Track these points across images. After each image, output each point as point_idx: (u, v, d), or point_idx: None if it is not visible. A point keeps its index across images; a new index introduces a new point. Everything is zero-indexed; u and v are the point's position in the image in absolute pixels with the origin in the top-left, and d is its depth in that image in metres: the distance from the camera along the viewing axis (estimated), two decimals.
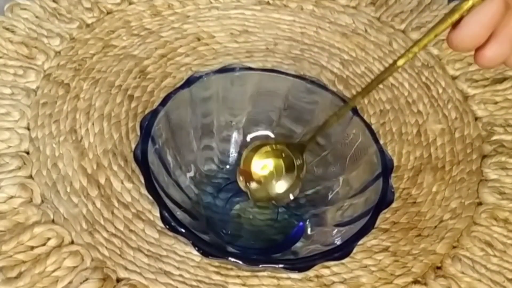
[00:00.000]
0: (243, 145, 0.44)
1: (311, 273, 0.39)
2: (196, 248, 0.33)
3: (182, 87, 0.39)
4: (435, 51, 0.54)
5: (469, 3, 0.31)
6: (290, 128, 0.43)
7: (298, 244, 0.39)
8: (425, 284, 0.39)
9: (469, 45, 0.32)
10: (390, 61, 0.53)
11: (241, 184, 0.40)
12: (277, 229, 0.41)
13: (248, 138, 0.44)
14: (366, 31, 0.55)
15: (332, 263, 0.39)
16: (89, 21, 0.53)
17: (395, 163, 0.44)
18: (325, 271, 0.39)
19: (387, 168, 0.37)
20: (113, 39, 0.51)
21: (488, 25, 0.31)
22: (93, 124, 0.45)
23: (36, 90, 0.47)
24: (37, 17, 0.51)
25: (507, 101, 0.50)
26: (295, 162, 0.40)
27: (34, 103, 0.46)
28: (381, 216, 0.36)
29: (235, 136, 0.44)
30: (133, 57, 0.50)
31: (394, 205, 0.39)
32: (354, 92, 0.50)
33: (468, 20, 0.31)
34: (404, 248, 0.41)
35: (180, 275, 0.38)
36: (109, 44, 0.51)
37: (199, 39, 0.53)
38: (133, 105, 0.47)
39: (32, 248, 0.38)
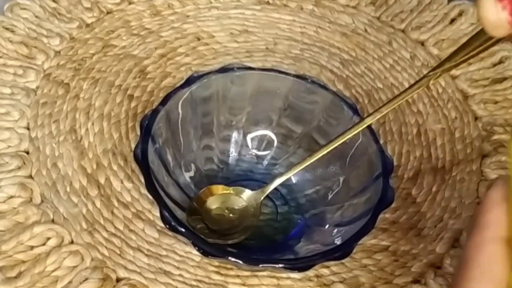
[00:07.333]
0: (244, 145, 0.44)
1: (311, 273, 0.39)
2: (196, 248, 0.33)
3: (182, 86, 0.39)
4: (435, 51, 0.54)
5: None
6: (290, 128, 0.43)
7: (298, 244, 0.39)
8: (425, 283, 0.39)
9: None
10: (390, 61, 0.53)
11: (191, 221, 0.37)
12: (277, 229, 0.41)
13: (248, 137, 0.44)
14: (366, 30, 0.55)
15: (331, 262, 0.39)
16: (89, 21, 0.52)
17: (395, 163, 0.44)
18: (325, 271, 0.39)
19: (387, 168, 0.37)
20: (113, 39, 0.51)
21: None
22: (92, 123, 0.45)
23: (36, 90, 0.47)
24: (37, 17, 0.51)
25: (507, 101, 0.50)
26: (249, 208, 0.39)
27: (34, 103, 0.46)
28: (381, 216, 0.36)
29: (235, 136, 0.44)
30: (133, 57, 0.50)
31: (394, 205, 0.39)
32: (354, 92, 0.50)
33: None
34: (404, 248, 0.41)
35: (180, 275, 0.38)
36: (109, 44, 0.51)
37: (199, 39, 0.53)
38: (133, 104, 0.47)
39: (32, 248, 0.38)
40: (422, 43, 0.54)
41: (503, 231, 0.24)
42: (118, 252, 0.39)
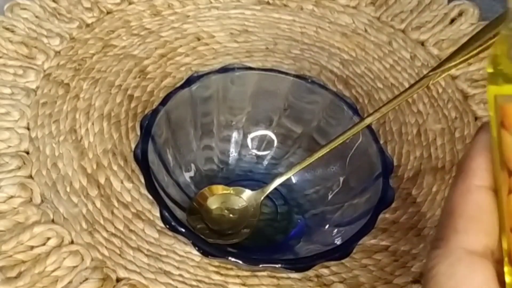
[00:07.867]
0: (244, 145, 0.44)
1: (311, 273, 0.39)
2: (196, 248, 0.33)
3: (182, 86, 0.39)
4: (435, 51, 0.54)
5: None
6: (290, 128, 0.43)
7: (298, 244, 0.39)
8: None
9: None
10: (390, 61, 0.53)
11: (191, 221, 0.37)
12: (277, 229, 0.41)
13: (248, 138, 0.44)
14: (366, 31, 0.55)
15: (332, 262, 0.39)
16: (89, 21, 0.53)
17: (395, 163, 0.44)
18: (325, 271, 0.39)
19: (387, 168, 0.37)
20: (113, 39, 0.51)
21: None
22: (93, 124, 0.45)
23: (36, 90, 0.47)
24: (37, 17, 0.51)
25: None
26: (249, 208, 0.39)
27: (34, 103, 0.46)
28: (381, 216, 0.36)
29: (235, 136, 0.44)
30: (133, 57, 0.50)
31: (394, 205, 0.39)
32: (354, 92, 0.50)
33: None
34: (404, 248, 0.41)
35: (180, 275, 0.38)
36: (109, 44, 0.51)
37: (199, 39, 0.53)
38: (133, 105, 0.47)
39: (32, 248, 0.38)
40: (422, 43, 0.54)
41: (489, 181, 0.23)
42: (118, 252, 0.39)
